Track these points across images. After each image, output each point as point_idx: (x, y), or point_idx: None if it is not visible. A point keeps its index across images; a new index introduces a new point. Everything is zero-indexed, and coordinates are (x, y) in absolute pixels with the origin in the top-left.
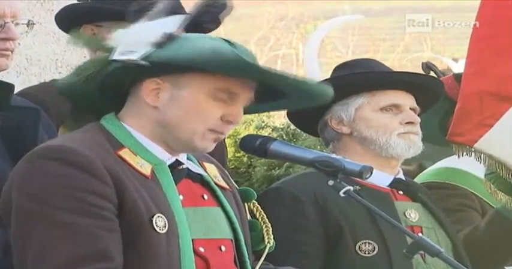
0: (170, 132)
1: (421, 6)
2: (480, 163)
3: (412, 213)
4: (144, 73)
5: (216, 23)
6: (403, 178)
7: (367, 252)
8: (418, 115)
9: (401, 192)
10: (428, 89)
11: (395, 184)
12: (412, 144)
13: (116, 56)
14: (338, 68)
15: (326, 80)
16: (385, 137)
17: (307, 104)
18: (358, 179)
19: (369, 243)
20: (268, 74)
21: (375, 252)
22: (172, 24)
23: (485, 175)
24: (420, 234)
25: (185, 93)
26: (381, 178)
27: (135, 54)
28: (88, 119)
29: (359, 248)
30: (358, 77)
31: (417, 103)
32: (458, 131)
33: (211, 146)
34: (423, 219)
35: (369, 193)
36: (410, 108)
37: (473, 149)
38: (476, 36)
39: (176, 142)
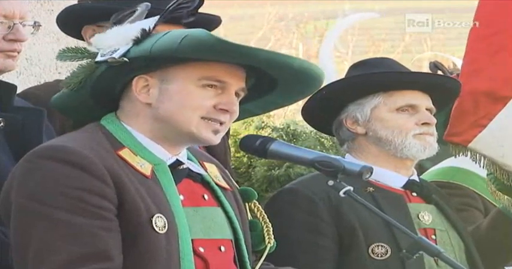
0: (168, 127)
1: (421, 6)
2: (476, 163)
3: (426, 215)
4: (130, 72)
5: (193, 15)
6: (417, 179)
7: (379, 255)
8: (434, 115)
9: (415, 194)
10: (445, 89)
11: (410, 185)
12: (427, 145)
13: (99, 58)
14: (353, 67)
15: (342, 79)
16: (401, 137)
17: (302, 90)
18: (372, 180)
19: (381, 246)
20: (243, 49)
21: (388, 255)
22: (149, 23)
23: (487, 175)
24: (433, 236)
25: (173, 86)
26: (395, 179)
27: (116, 53)
28: None
29: (372, 251)
30: (376, 77)
31: (433, 103)
32: (455, 131)
33: (215, 138)
34: (436, 221)
35: (382, 195)
36: (426, 109)
37: (468, 149)
38: (473, 36)
39: (177, 135)
